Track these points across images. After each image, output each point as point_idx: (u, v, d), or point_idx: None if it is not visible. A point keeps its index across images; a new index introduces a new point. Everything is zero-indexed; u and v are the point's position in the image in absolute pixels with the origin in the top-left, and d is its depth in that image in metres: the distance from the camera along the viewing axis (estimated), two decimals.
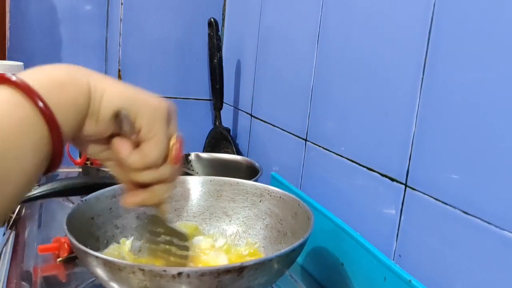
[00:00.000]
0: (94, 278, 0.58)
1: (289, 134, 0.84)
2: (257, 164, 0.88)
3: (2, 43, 1.08)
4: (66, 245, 0.67)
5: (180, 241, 0.49)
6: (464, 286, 0.46)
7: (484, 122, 0.44)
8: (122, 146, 0.38)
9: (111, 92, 0.35)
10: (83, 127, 0.35)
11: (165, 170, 0.40)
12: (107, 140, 0.38)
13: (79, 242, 0.46)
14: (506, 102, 0.42)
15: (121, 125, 0.36)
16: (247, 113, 1.06)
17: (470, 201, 0.45)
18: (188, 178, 0.69)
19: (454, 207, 0.47)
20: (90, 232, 0.57)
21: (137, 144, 0.38)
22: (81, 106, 0.34)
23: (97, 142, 0.38)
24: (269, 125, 0.94)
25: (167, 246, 0.49)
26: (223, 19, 1.20)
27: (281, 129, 0.88)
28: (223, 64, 1.08)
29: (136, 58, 1.15)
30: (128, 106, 0.36)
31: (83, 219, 0.56)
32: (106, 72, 1.19)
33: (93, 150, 0.39)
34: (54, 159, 0.32)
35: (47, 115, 0.30)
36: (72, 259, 0.66)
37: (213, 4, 1.19)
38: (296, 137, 0.81)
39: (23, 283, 0.62)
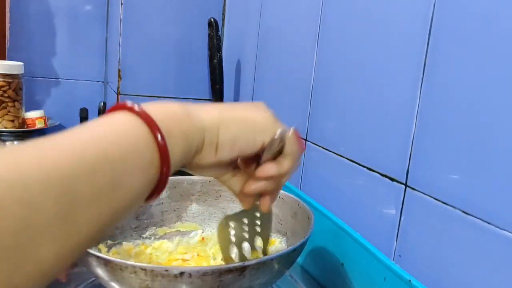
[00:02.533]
0: (94, 278, 0.58)
1: None
2: None
3: (2, 43, 1.09)
4: None
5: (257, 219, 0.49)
6: (464, 286, 0.46)
7: (484, 122, 0.44)
8: (266, 166, 0.41)
9: (227, 120, 0.38)
10: (198, 159, 0.37)
11: (299, 163, 0.43)
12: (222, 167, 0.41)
13: None
14: (506, 102, 0.42)
15: (273, 146, 0.39)
16: None
17: (470, 201, 0.45)
18: (188, 178, 0.69)
19: (454, 207, 0.47)
20: None
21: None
22: (193, 139, 0.35)
23: (216, 167, 0.40)
24: None
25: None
26: (223, 19, 1.20)
27: None
28: (223, 64, 1.08)
29: (136, 58, 1.15)
30: (282, 132, 0.39)
31: None
32: (106, 72, 1.19)
33: (212, 174, 0.42)
34: (156, 188, 0.33)
35: (162, 145, 0.32)
36: None
37: (213, 4, 1.19)
38: None
39: None
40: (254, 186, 0.42)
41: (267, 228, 0.49)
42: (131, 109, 0.32)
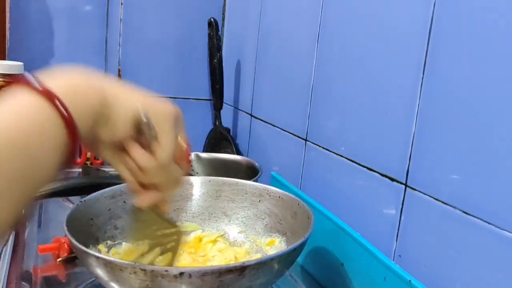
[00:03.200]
0: (94, 278, 0.58)
1: (289, 134, 0.84)
2: (257, 164, 0.88)
3: (2, 43, 1.08)
4: (66, 245, 0.67)
5: (167, 230, 0.49)
6: (464, 286, 0.46)
7: (484, 122, 0.44)
8: (134, 150, 0.40)
9: (123, 98, 0.38)
10: (98, 132, 0.37)
11: (174, 170, 0.42)
12: (119, 144, 0.40)
13: (79, 242, 0.46)
14: (506, 102, 0.42)
15: (140, 128, 0.38)
16: (247, 113, 1.06)
17: (470, 201, 0.45)
18: (187, 178, 0.69)
19: (454, 207, 0.47)
20: (90, 232, 0.57)
21: (145, 147, 0.40)
22: (96, 111, 0.36)
23: (110, 146, 0.40)
24: (269, 125, 0.94)
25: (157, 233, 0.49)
26: (223, 19, 1.20)
27: (281, 129, 0.88)
28: (223, 64, 1.08)
29: (136, 58, 1.15)
30: (144, 112, 0.38)
31: (82, 220, 0.56)
32: (106, 72, 1.19)
33: (106, 154, 0.41)
34: (68, 159, 0.34)
35: (67, 119, 0.32)
36: (72, 259, 0.66)
37: (213, 4, 1.19)
38: (296, 137, 0.81)
39: (23, 283, 0.62)
40: (131, 166, 0.41)
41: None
42: (33, 87, 0.32)
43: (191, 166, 0.95)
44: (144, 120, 0.38)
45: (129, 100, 0.38)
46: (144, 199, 0.43)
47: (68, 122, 0.32)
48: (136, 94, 0.39)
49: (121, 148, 0.40)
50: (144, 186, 0.43)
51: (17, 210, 0.30)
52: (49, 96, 0.32)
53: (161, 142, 0.40)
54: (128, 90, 0.39)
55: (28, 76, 0.33)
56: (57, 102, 0.32)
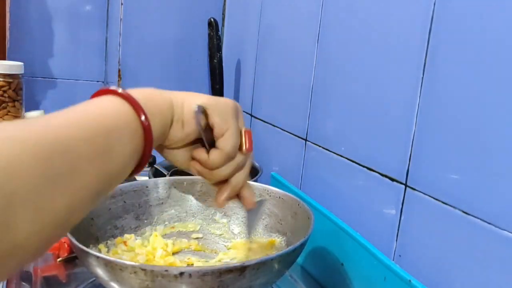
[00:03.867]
0: (94, 278, 0.58)
1: (289, 134, 0.84)
2: (257, 164, 0.88)
3: (2, 43, 1.08)
4: (66, 245, 0.67)
5: None
6: (464, 286, 0.46)
7: (484, 122, 0.44)
8: (199, 151, 0.44)
9: (189, 99, 0.42)
10: (168, 134, 0.41)
11: (240, 160, 0.44)
12: (190, 148, 0.44)
13: (79, 242, 0.46)
14: (506, 102, 0.42)
15: (199, 120, 0.42)
16: (247, 113, 1.06)
17: (470, 201, 0.45)
18: (188, 178, 0.69)
19: (454, 207, 0.47)
20: (90, 232, 0.57)
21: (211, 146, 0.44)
22: (166, 114, 0.40)
23: (181, 150, 0.44)
24: (269, 125, 0.94)
25: None
26: (223, 19, 1.20)
27: (281, 129, 0.88)
28: (223, 64, 1.08)
29: (136, 58, 1.15)
30: (204, 106, 0.42)
31: (82, 220, 0.56)
32: (106, 72, 1.19)
33: (177, 158, 0.44)
34: (140, 163, 0.37)
35: (145, 125, 0.36)
36: (72, 259, 0.66)
37: (213, 4, 1.19)
38: (296, 137, 0.81)
39: (23, 283, 0.62)
40: (194, 166, 0.44)
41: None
42: (114, 92, 0.36)
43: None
44: (202, 114, 0.42)
45: (194, 99, 0.42)
46: (220, 199, 0.46)
47: (146, 128, 0.36)
48: (199, 95, 0.43)
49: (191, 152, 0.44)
50: (221, 183, 0.46)
51: (97, 191, 0.32)
52: (132, 102, 0.36)
53: (225, 134, 0.42)
54: (192, 94, 0.43)
55: (113, 86, 0.37)
56: (139, 110, 0.36)
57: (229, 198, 0.46)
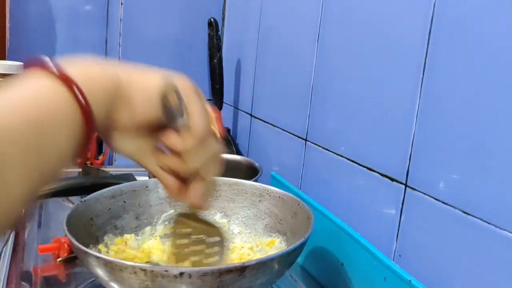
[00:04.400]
0: (94, 278, 0.58)
1: (289, 134, 0.84)
2: (257, 164, 0.88)
3: (2, 44, 1.08)
4: (66, 245, 0.67)
5: (210, 237, 0.47)
6: (464, 286, 0.46)
7: (484, 122, 0.44)
8: (168, 134, 0.38)
9: (141, 80, 0.37)
10: (115, 119, 0.36)
11: (212, 146, 0.39)
12: (145, 140, 0.39)
13: (79, 242, 0.46)
14: (506, 102, 0.42)
15: (167, 103, 0.36)
16: (247, 113, 1.06)
17: (470, 201, 0.45)
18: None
19: (454, 207, 0.47)
20: (90, 232, 0.57)
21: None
22: (111, 97, 0.34)
23: (133, 138, 0.38)
24: (269, 125, 0.94)
25: (197, 248, 0.46)
26: (223, 19, 1.20)
27: (281, 129, 0.88)
28: (223, 64, 1.08)
29: (136, 58, 1.15)
30: (171, 85, 0.37)
31: (82, 220, 0.56)
32: None
33: (123, 143, 0.38)
34: (82, 147, 0.33)
35: (83, 106, 0.31)
36: (72, 259, 0.66)
37: (213, 4, 1.19)
38: (296, 137, 0.81)
39: (23, 283, 0.62)
40: (165, 160, 0.39)
41: (204, 223, 0.46)
42: (50, 72, 0.31)
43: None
44: (173, 93, 0.36)
45: (148, 80, 0.37)
46: (195, 195, 0.40)
47: (85, 109, 0.32)
48: (153, 73, 0.38)
49: (148, 145, 0.39)
50: (178, 177, 0.40)
51: (30, 190, 0.29)
52: (67, 81, 0.31)
53: (194, 114, 0.37)
54: (144, 71, 0.38)
55: (45, 59, 0.32)
56: (75, 89, 0.31)
57: (209, 194, 0.41)
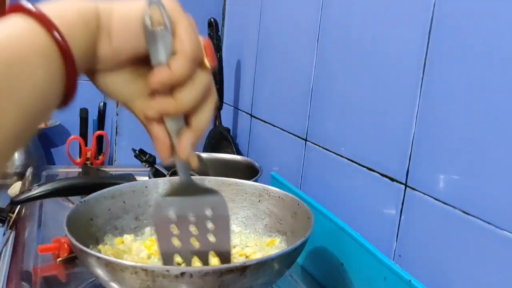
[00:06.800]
0: (94, 278, 0.58)
1: (289, 134, 0.84)
2: (257, 164, 0.88)
3: None
4: (66, 245, 0.67)
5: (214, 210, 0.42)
6: (464, 286, 0.46)
7: (484, 122, 0.44)
8: (156, 70, 0.34)
9: (122, 9, 0.34)
10: (99, 53, 0.33)
11: (203, 78, 0.35)
12: (132, 77, 0.35)
13: (79, 242, 0.46)
14: (506, 102, 0.42)
15: (149, 25, 0.33)
16: (247, 113, 1.06)
17: (470, 201, 0.45)
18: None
19: (454, 207, 0.47)
20: (90, 232, 0.57)
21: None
22: (91, 25, 0.32)
23: (120, 76, 0.35)
24: (269, 125, 0.94)
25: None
26: (223, 19, 1.20)
27: (281, 129, 0.88)
28: (223, 64, 1.08)
29: None
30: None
31: (82, 220, 0.56)
32: None
33: (110, 84, 0.35)
34: (68, 90, 0.31)
35: (59, 40, 0.30)
36: (72, 259, 0.66)
37: (213, 4, 1.19)
38: (296, 137, 0.81)
39: (23, 283, 0.62)
40: (154, 103, 0.35)
41: (224, 232, 0.42)
42: (25, 10, 0.30)
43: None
44: (157, 11, 0.33)
45: (130, 7, 0.34)
46: (183, 142, 0.36)
47: (61, 44, 0.30)
48: (136, 0, 0.34)
49: (139, 87, 0.35)
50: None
51: (13, 131, 0.28)
52: (41, 18, 0.29)
53: (181, 35, 0.33)
54: (127, 1, 0.34)
55: (23, 2, 0.30)
56: (49, 24, 0.29)
57: (195, 140, 0.37)
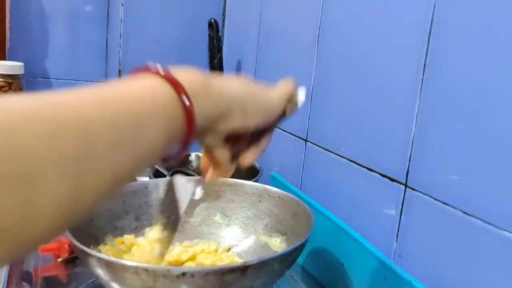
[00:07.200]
0: (94, 279, 0.58)
1: (289, 134, 0.85)
2: (257, 164, 0.88)
3: (2, 44, 1.08)
4: (66, 246, 0.67)
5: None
6: (464, 286, 0.46)
7: (484, 122, 0.44)
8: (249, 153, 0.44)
9: (259, 93, 0.40)
10: (215, 126, 0.37)
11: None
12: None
13: (80, 242, 0.46)
14: (506, 102, 0.42)
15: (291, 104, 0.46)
16: None
17: (470, 201, 0.45)
18: (187, 178, 0.69)
19: (454, 207, 0.47)
20: (90, 233, 0.57)
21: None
22: (220, 111, 0.36)
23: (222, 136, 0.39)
24: None
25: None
26: (224, 20, 1.20)
27: (281, 129, 0.88)
28: (224, 64, 1.08)
29: (136, 59, 1.15)
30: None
31: (83, 220, 0.56)
32: (106, 73, 1.19)
33: (210, 142, 0.39)
34: (181, 148, 0.34)
35: (186, 104, 0.32)
36: (73, 260, 0.66)
37: (214, 5, 1.19)
38: (296, 137, 0.81)
39: (24, 283, 0.62)
40: (247, 158, 0.44)
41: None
42: (156, 73, 0.32)
43: (187, 166, 0.95)
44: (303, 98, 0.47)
45: (267, 93, 0.42)
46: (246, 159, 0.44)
47: (187, 108, 0.32)
48: (270, 90, 0.42)
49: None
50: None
51: (108, 191, 0.28)
52: (172, 81, 0.32)
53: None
54: (262, 89, 0.41)
55: (153, 64, 0.33)
56: (182, 93, 0.32)
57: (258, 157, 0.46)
